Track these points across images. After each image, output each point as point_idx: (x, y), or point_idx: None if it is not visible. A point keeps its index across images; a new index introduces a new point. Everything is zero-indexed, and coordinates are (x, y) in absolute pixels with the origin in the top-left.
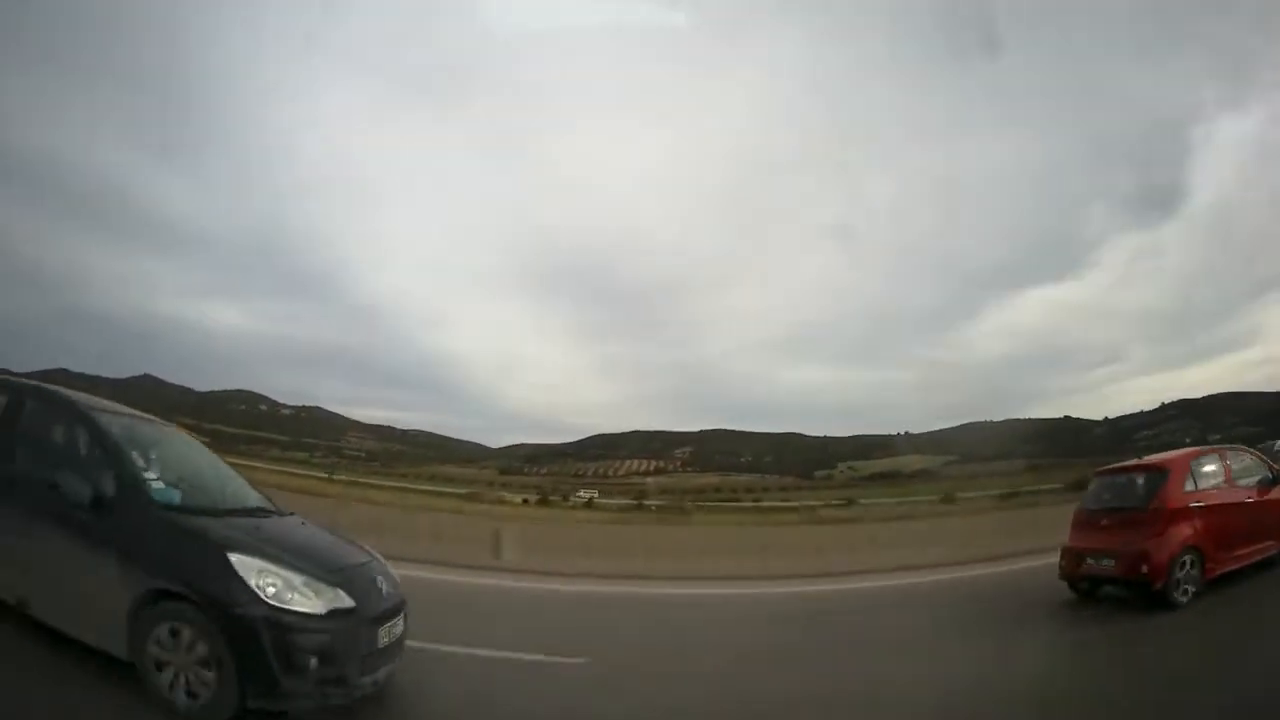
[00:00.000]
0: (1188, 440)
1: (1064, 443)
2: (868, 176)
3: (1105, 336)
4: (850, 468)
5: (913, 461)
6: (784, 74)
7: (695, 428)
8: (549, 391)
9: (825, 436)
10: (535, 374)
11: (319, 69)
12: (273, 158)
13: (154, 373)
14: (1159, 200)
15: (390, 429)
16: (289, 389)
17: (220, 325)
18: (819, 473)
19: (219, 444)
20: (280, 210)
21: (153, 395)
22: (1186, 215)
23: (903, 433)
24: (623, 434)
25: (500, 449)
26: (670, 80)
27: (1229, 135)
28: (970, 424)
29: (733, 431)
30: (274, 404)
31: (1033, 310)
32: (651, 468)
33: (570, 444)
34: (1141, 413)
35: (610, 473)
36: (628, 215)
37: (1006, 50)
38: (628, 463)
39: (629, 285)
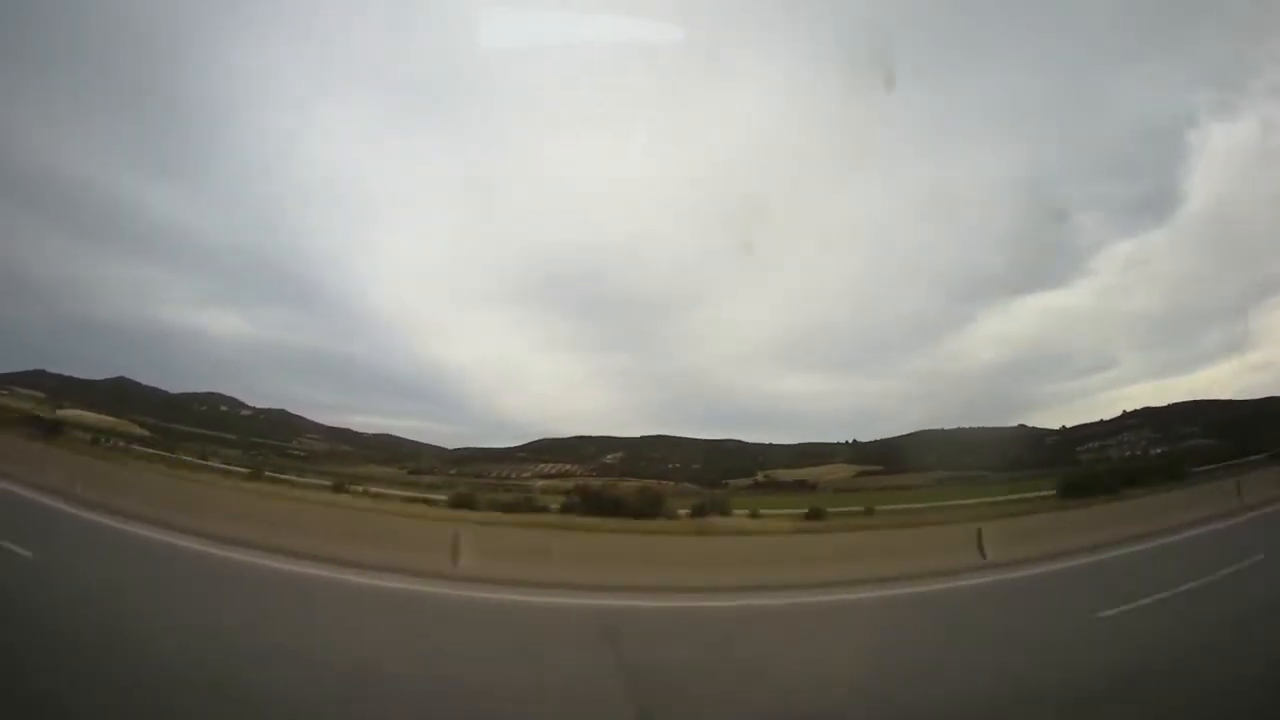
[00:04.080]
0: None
1: (1009, 453)
2: (858, 186)
3: (1097, 343)
4: (766, 476)
5: (828, 471)
6: (776, 86)
7: (637, 434)
8: (534, 400)
9: (764, 444)
10: (519, 383)
11: (316, 81)
12: (268, 166)
13: (129, 375)
14: (1152, 207)
15: (348, 432)
16: (269, 394)
17: (205, 330)
18: (726, 480)
19: (165, 441)
20: (273, 218)
21: (124, 396)
22: (1180, 221)
23: (850, 441)
24: (566, 439)
25: (453, 450)
26: (664, 94)
27: (1222, 141)
28: (921, 432)
29: (670, 438)
30: (235, 405)
31: (1024, 318)
32: (558, 471)
33: (504, 449)
34: (1100, 422)
35: (516, 475)
36: (617, 227)
37: (998, 58)
38: (542, 466)
39: (617, 296)
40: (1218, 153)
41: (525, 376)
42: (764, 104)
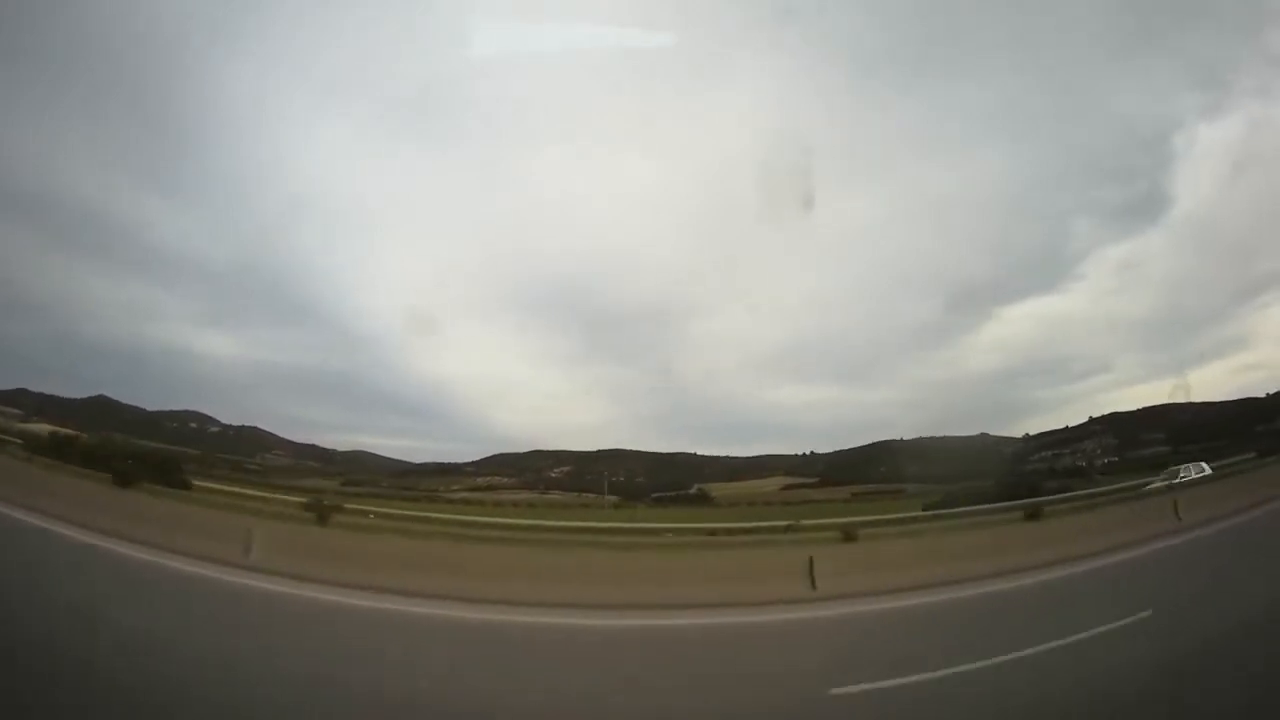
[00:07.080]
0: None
1: (955, 465)
2: (851, 194)
3: (1089, 348)
4: (700, 489)
5: (758, 485)
6: (769, 94)
7: (598, 448)
8: (512, 415)
9: (716, 456)
10: (499, 399)
11: (309, 94)
12: (259, 180)
13: (110, 394)
14: (1143, 210)
15: (315, 448)
16: (247, 411)
17: (190, 348)
18: (654, 494)
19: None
20: (263, 233)
21: (102, 414)
22: (1171, 224)
23: (807, 453)
24: (522, 454)
25: (418, 464)
26: (657, 103)
27: (1210, 143)
28: (876, 444)
29: (626, 451)
30: (205, 422)
31: (1015, 324)
32: (488, 484)
33: (457, 464)
34: (1066, 428)
35: (445, 488)
36: (607, 239)
37: (990, 65)
38: (480, 479)
39: (601, 310)
40: (1207, 155)
41: (506, 392)
42: (758, 111)
